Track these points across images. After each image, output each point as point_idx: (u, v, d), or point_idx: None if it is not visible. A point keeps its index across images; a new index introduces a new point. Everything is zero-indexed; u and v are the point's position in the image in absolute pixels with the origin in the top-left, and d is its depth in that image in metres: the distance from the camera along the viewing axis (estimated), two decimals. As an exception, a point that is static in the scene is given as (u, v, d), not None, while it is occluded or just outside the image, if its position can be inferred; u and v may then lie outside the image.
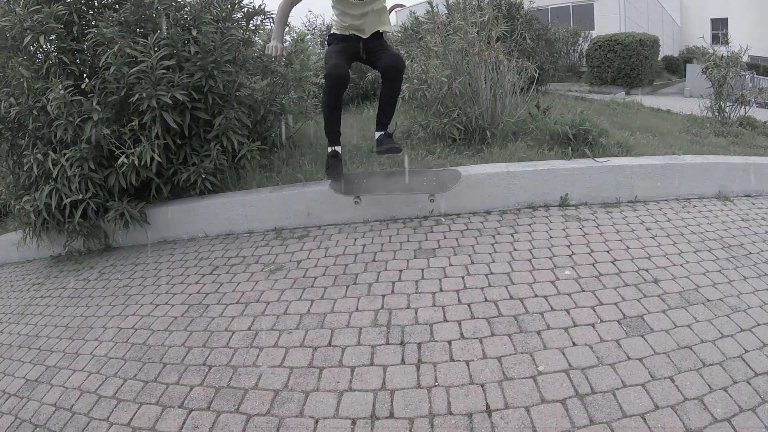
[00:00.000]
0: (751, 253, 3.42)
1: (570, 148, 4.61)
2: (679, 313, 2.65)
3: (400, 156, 3.89)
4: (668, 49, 23.36)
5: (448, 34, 5.37)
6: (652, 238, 3.59)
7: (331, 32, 3.80)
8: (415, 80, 5.10)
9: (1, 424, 2.60)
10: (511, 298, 2.87)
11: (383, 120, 3.88)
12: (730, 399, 2.04)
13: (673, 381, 2.15)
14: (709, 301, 2.77)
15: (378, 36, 3.75)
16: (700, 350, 2.35)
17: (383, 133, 3.89)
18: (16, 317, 4.01)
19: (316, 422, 2.13)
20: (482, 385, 2.21)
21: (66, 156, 4.10)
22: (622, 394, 2.08)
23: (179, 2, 4.42)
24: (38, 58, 4.32)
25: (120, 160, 4.04)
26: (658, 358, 2.29)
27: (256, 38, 5.36)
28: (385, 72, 3.61)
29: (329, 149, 3.79)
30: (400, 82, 3.72)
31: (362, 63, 3.93)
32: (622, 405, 2.02)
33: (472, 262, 3.32)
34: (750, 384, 2.13)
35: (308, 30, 10.10)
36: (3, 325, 3.94)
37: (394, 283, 3.17)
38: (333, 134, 3.74)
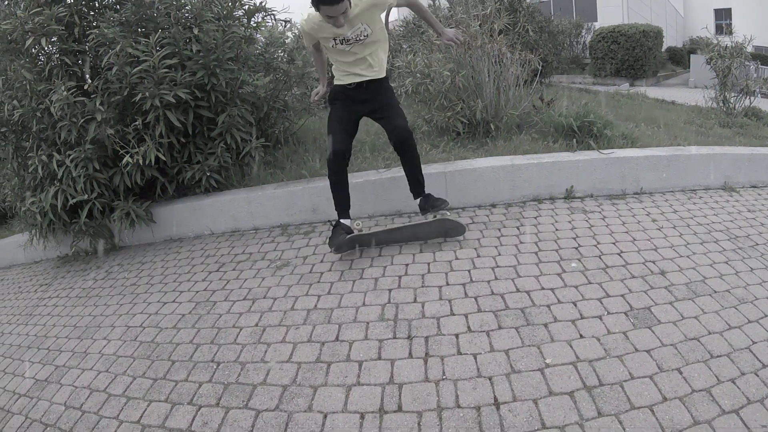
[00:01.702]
0: (757, 244, 3.40)
1: (575, 140, 4.59)
2: (687, 304, 2.65)
3: (445, 206, 3.57)
4: (672, 39, 23.23)
5: (450, 28, 5.35)
6: (659, 229, 3.58)
7: (333, 84, 3.58)
8: (418, 74, 5.09)
9: (12, 425, 2.62)
10: (518, 290, 2.87)
11: (416, 189, 3.63)
12: (738, 390, 2.03)
13: (680, 373, 2.14)
14: (716, 292, 2.77)
15: (379, 87, 3.51)
16: (708, 342, 2.34)
17: (422, 197, 3.62)
18: (25, 318, 4.03)
19: (325, 417, 2.14)
20: (490, 378, 2.21)
21: (71, 157, 4.12)
22: (629, 386, 2.08)
23: (180, 1, 4.42)
24: (40, 60, 4.33)
25: (125, 159, 4.05)
26: (666, 350, 2.29)
27: (258, 35, 5.36)
28: (394, 146, 3.50)
29: (334, 220, 3.58)
30: (413, 149, 3.51)
31: (368, 117, 3.67)
32: (630, 397, 2.02)
33: (478, 256, 3.32)
34: (758, 375, 2.12)
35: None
36: (12, 326, 3.97)
37: (400, 277, 3.17)
38: (338, 206, 3.52)
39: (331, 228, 3.51)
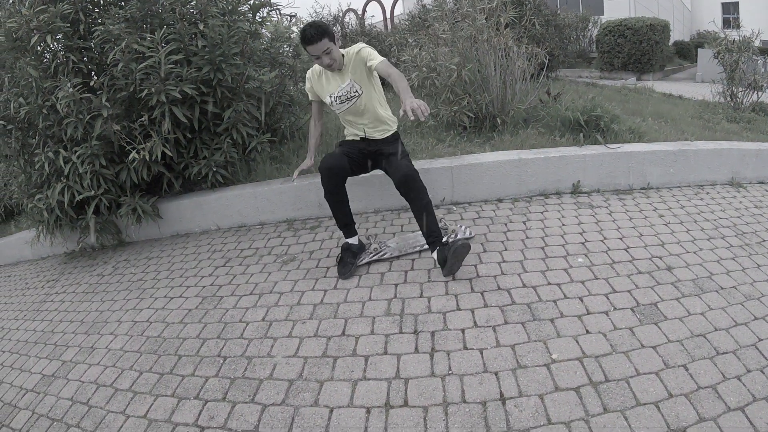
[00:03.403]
0: (764, 240, 3.38)
1: (581, 134, 4.58)
2: (693, 300, 2.64)
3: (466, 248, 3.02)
4: (679, 33, 23.08)
5: (456, 21, 5.34)
6: (666, 225, 3.56)
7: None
8: (424, 68, 5.07)
9: (19, 420, 2.64)
10: (524, 286, 2.87)
11: (430, 238, 3.12)
12: (744, 388, 2.03)
13: (686, 369, 2.14)
14: (722, 288, 2.76)
15: (385, 142, 3.49)
16: (714, 338, 2.34)
17: (438, 248, 3.09)
18: (32, 314, 4.06)
19: (331, 411, 2.15)
20: (496, 374, 2.21)
21: (77, 153, 4.12)
22: (635, 382, 2.08)
23: (185, -4, 4.42)
24: (46, 58, 4.32)
25: (131, 155, 4.06)
26: (672, 346, 2.29)
27: (263, 30, 5.36)
28: (398, 187, 3.14)
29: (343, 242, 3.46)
30: (419, 191, 3.08)
31: (373, 162, 3.57)
32: (635, 393, 2.02)
33: (485, 251, 3.32)
34: (764, 373, 2.11)
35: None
36: (19, 322, 3.99)
37: (406, 272, 3.17)
38: (340, 226, 3.41)
39: (340, 252, 3.40)
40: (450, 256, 2.95)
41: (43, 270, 5.14)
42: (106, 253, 4.88)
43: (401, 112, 2.72)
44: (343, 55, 3.26)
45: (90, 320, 3.55)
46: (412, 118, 2.65)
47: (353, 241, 3.41)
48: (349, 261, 3.31)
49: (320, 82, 3.43)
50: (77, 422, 2.46)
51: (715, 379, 2.08)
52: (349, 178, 3.36)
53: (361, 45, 3.28)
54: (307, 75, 3.54)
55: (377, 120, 3.44)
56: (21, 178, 4.75)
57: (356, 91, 3.32)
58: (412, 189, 3.06)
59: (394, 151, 3.33)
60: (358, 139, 3.52)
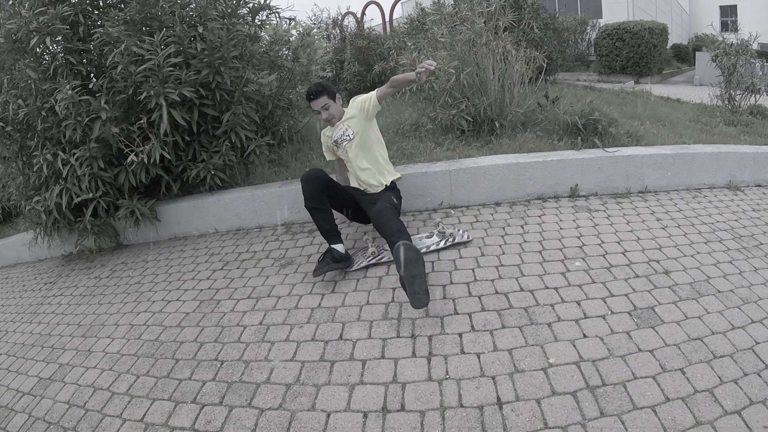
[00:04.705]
0: (762, 243, 3.39)
1: (579, 138, 4.58)
2: (690, 304, 2.64)
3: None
4: (677, 37, 23.12)
5: (454, 25, 5.34)
6: (663, 228, 3.57)
7: None
8: (423, 72, 5.07)
9: (15, 423, 2.63)
10: (522, 289, 2.87)
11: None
12: (741, 391, 2.03)
13: (683, 373, 2.14)
14: (720, 292, 2.76)
15: (375, 194, 3.59)
16: (711, 342, 2.34)
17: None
18: (29, 316, 4.05)
19: (328, 416, 2.14)
20: (493, 378, 2.21)
21: (75, 155, 4.13)
22: (632, 386, 2.08)
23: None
24: (45, 60, 4.33)
25: (129, 158, 4.06)
26: (669, 350, 2.29)
27: (262, 33, 5.36)
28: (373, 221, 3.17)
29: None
30: (383, 225, 3.01)
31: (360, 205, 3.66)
32: (632, 397, 2.02)
33: (483, 254, 3.32)
34: (761, 376, 2.12)
35: (314, 24, 10.06)
36: (16, 324, 3.99)
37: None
38: (324, 234, 3.38)
39: (324, 252, 3.33)
40: (406, 282, 2.68)
41: (41, 272, 5.13)
42: (103, 255, 4.87)
43: (416, 75, 3.10)
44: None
45: (87, 323, 3.55)
46: (425, 73, 3.07)
47: (338, 247, 3.34)
48: (326, 261, 3.25)
49: (328, 133, 3.73)
50: (74, 426, 2.46)
51: (712, 383, 2.08)
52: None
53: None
54: (321, 135, 3.90)
55: (374, 164, 3.60)
56: (19, 180, 4.75)
57: (348, 135, 3.56)
58: (378, 228, 3.06)
59: (381, 196, 3.48)
60: (355, 185, 3.69)
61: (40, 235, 4.76)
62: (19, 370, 3.20)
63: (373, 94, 3.50)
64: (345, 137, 3.55)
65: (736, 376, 2.12)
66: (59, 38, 4.19)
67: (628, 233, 3.49)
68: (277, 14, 5.24)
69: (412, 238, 3.52)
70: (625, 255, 3.19)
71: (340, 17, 11.03)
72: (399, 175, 3.75)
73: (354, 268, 3.37)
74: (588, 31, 16.31)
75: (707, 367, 2.17)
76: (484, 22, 5.07)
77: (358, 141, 3.53)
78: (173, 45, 4.11)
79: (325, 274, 3.27)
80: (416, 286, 2.64)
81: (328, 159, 3.93)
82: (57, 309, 3.99)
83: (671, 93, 9.73)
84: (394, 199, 3.47)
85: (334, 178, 3.70)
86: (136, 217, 4.42)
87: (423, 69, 3.05)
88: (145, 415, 2.39)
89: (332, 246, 3.33)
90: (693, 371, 2.15)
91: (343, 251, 3.35)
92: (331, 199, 3.42)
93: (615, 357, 2.26)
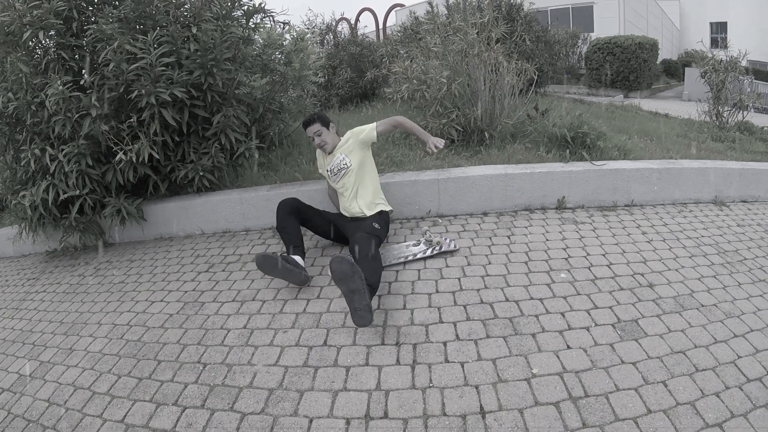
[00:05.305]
0: (746, 258, 3.43)
1: (568, 150, 4.61)
2: (674, 317, 2.67)
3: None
4: (667, 52, 23.36)
5: (447, 35, 5.37)
6: (648, 242, 3.60)
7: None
8: (415, 80, 5.09)
9: (-5, 419, 2.60)
10: (507, 300, 2.88)
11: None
12: (722, 404, 2.05)
13: (665, 385, 2.15)
14: (703, 306, 2.79)
15: (364, 220, 3.63)
16: (694, 355, 2.36)
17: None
18: (11, 312, 4.00)
19: (311, 421, 2.14)
20: (476, 387, 2.21)
21: (64, 152, 4.09)
22: (615, 397, 2.09)
23: (179, -1, 4.41)
24: (37, 54, 4.30)
25: (118, 156, 4.04)
26: (652, 363, 2.30)
27: (256, 36, 5.36)
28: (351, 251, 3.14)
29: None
30: (359, 253, 2.99)
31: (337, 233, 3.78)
32: (614, 409, 2.03)
33: (469, 264, 3.33)
34: (742, 390, 2.14)
35: (308, 29, 10.06)
36: (-2, 320, 3.94)
37: (390, 283, 3.17)
38: (286, 245, 3.46)
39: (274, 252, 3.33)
40: (345, 298, 2.67)
41: (24, 268, 5.08)
42: (88, 253, 4.83)
43: (427, 150, 3.70)
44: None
45: (69, 321, 3.51)
46: (435, 152, 3.71)
47: (297, 258, 3.30)
48: (278, 257, 3.16)
49: (322, 160, 3.95)
50: (53, 424, 2.43)
51: (694, 396, 2.10)
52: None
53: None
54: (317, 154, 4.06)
55: (367, 195, 3.71)
56: (6, 174, 4.70)
57: (346, 164, 3.70)
58: (360, 257, 2.97)
59: (360, 228, 3.40)
60: (343, 213, 3.83)
61: (25, 231, 4.71)
62: (-1, 367, 3.17)
63: (373, 125, 3.67)
64: (343, 165, 3.69)
65: (718, 389, 2.14)
66: (52, 33, 4.16)
67: (613, 246, 3.52)
68: (271, 18, 5.24)
69: (398, 245, 3.58)
70: (610, 267, 3.21)
71: (334, 23, 11.06)
72: (390, 208, 3.81)
73: (307, 285, 3.30)
74: (579, 44, 16.44)
75: (689, 380, 2.19)
76: (477, 33, 5.11)
77: (357, 170, 3.68)
78: (166, 45, 4.09)
79: (272, 267, 3.18)
80: (356, 302, 2.59)
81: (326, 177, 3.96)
82: (39, 305, 3.95)
83: (660, 108, 9.83)
84: (376, 225, 3.46)
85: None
86: (122, 215, 4.38)
87: (435, 148, 3.65)
88: (126, 415, 2.37)
89: (291, 255, 3.31)
90: (675, 384, 2.16)
91: (301, 262, 3.30)
92: (306, 222, 3.71)
93: (598, 368, 2.27)
